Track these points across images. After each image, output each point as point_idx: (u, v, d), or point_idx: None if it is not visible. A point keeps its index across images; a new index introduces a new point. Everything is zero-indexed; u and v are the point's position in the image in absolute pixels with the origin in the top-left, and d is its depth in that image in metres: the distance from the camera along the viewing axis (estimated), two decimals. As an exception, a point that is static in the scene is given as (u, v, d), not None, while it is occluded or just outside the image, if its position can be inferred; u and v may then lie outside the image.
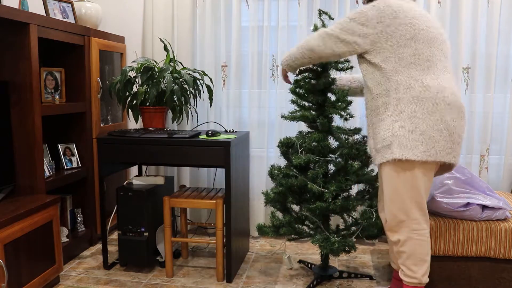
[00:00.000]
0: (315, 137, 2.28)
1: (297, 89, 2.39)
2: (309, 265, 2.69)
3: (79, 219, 2.94)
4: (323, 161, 2.31)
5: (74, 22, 2.97)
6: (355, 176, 2.29)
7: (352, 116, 2.34)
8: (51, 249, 2.33)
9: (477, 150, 2.96)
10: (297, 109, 2.40)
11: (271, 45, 3.10)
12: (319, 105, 2.35)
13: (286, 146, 2.42)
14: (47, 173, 2.61)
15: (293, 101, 2.42)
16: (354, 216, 2.46)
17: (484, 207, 2.17)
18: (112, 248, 3.00)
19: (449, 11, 2.87)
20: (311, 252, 2.95)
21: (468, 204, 2.17)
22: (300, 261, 2.77)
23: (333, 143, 2.38)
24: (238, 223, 2.63)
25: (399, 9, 1.88)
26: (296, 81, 2.38)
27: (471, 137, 2.94)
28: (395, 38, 1.87)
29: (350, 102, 2.34)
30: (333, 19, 2.44)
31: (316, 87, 2.32)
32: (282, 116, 2.42)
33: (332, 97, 2.38)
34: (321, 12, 2.42)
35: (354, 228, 2.38)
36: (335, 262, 2.79)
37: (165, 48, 2.83)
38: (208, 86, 2.89)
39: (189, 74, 2.79)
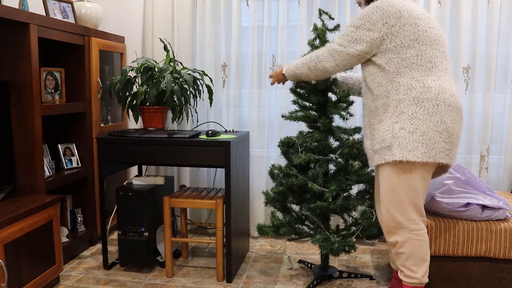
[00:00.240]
0: (317, 137, 2.28)
1: (298, 89, 2.39)
2: (309, 265, 2.69)
3: (79, 219, 2.94)
4: (324, 160, 2.31)
5: (74, 22, 2.97)
6: (356, 176, 2.29)
7: (351, 115, 2.34)
8: (51, 249, 2.33)
9: (477, 150, 2.96)
10: (298, 109, 2.40)
11: (271, 45, 3.10)
12: (319, 105, 2.35)
13: (287, 146, 2.42)
14: (47, 173, 2.61)
15: (294, 102, 2.42)
16: (354, 216, 2.46)
17: (484, 207, 2.17)
18: (112, 248, 3.00)
19: (449, 11, 2.87)
20: (311, 252, 2.95)
21: (468, 204, 2.17)
22: (300, 261, 2.77)
23: (333, 142, 2.38)
24: (238, 223, 2.63)
25: (403, 8, 1.87)
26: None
27: (471, 137, 2.93)
28: (399, 38, 1.86)
29: (352, 102, 2.34)
30: (333, 19, 2.44)
31: (317, 87, 2.32)
32: (283, 116, 2.42)
33: (333, 97, 2.38)
34: (321, 12, 2.41)
35: (354, 228, 2.38)
36: (335, 262, 2.79)
37: (165, 48, 2.83)
38: (208, 86, 2.89)
39: (189, 74, 2.80)
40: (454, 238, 2.17)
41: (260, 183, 3.18)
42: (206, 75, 2.88)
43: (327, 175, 2.37)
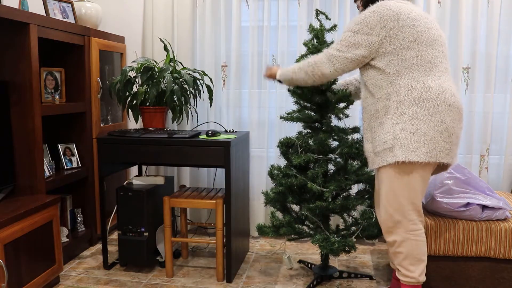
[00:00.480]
0: (321, 137, 2.27)
1: (297, 90, 2.39)
2: (309, 265, 2.69)
3: (79, 219, 2.94)
4: (323, 159, 2.31)
5: (74, 22, 2.97)
6: (355, 175, 2.30)
7: (347, 116, 2.35)
8: (51, 249, 2.33)
9: (477, 150, 2.96)
10: (296, 109, 2.40)
11: (271, 45, 3.10)
12: (319, 105, 2.35)
13: (286, 146, 2.42)
14: (47, 173, 2.61)
15: (296, 102, 2.42)
16: (354, 216, 2.47)
17: (484, 207, 2.17)
18: (112, 248, 3.00)
19: (449, 11, 2.87)
20: (311, 252, 2.95)
21: (468, 204, 2.17)
22: (300, 261, 2.77)
23: (332, 142, 2.38)
24: (238, 223, 2.63)
25: (400, 10, 1.87)
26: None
27: (471, 137, 2.93)
28: (398, 40, 1.86)
29: (352, 102, 2.33)
30: (330, 19, 2.43)
31: (318, 87, 2.32)
32: (281, 117, 2.41)
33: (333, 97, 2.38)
34: (318, 12, 2.41)
35: (354, 228, 2.38)
36: (335, 262, 2.79)
37: (165, 48, 2.83)
38: (208, 86, 2.89)
39: (189, 74, 2.80)
40: (454, 238, 2.17)
41: (260, 183, 3.18)
42: (206, 75, 2.88)
43: (326, 175, 2.37)
